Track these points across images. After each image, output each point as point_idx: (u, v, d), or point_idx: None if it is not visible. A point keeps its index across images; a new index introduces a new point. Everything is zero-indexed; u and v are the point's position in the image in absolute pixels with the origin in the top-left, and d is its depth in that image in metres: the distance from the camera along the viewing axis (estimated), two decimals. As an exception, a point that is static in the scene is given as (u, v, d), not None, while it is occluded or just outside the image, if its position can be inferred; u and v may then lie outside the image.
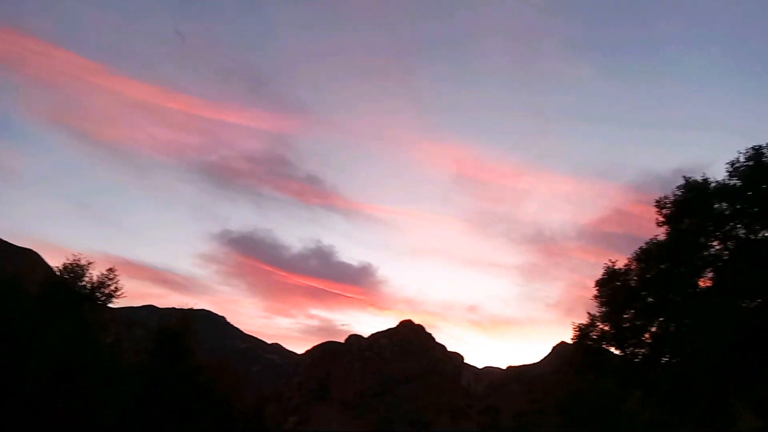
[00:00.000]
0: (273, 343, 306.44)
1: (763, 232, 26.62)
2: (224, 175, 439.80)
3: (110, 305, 37.02)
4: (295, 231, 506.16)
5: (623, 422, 20.60)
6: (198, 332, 43.46)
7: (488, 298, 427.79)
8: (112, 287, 36.16)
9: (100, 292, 35.75)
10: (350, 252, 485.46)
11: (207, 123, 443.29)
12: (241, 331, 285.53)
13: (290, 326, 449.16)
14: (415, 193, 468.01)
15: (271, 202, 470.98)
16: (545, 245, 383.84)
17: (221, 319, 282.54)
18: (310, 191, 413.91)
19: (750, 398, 34.62)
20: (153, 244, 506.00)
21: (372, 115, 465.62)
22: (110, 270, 36.37)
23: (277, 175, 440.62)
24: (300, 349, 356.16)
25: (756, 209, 25.98)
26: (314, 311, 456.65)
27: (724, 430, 29.82)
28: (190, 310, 44.97)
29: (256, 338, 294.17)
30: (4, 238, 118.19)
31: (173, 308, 48.76)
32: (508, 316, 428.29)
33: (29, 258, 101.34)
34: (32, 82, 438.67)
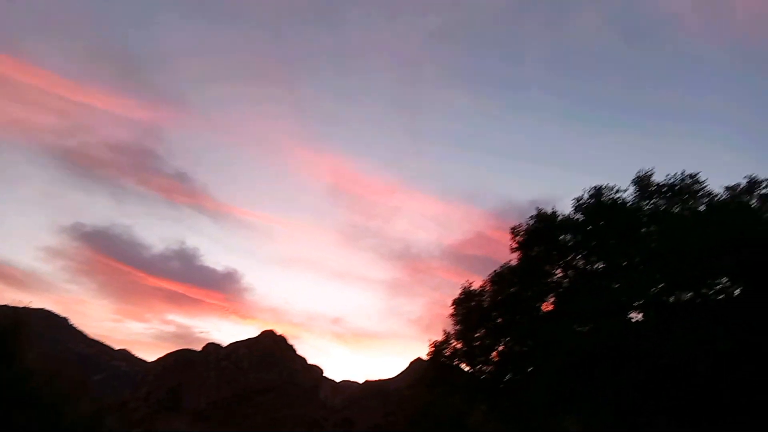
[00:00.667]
0: (120, 349, 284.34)
1: (598, 264, 29.70)
2: (82, 162, 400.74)
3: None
4: (157, 230, 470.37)
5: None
6: (33, 333, 39.05)
7: (353, 311, 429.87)
8: None
9: None
10: (216, 256, 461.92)
11: (67, 104, 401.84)
12: (86, 335, 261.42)
13: (142, 331, 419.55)
14: (288, 201, 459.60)
15: (133, 196, 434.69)
16: (411, 262, 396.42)
17: (63, 321, 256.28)
18: (178, 189, 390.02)
19: (579, 414, 38.15)
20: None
21: (252, 118, 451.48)
22: None
23: (142, 168, 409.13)
24: (152, 356, 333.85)
25: (594, 243, 28.92)
26: (171, 316, 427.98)
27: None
28: (24, 308, 40.28)
29: (101, 343, 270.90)
30: None
31: (5, 306, 43.45)
32: (370, 330, 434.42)
33: None
34: None
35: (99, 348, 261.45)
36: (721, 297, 26.76)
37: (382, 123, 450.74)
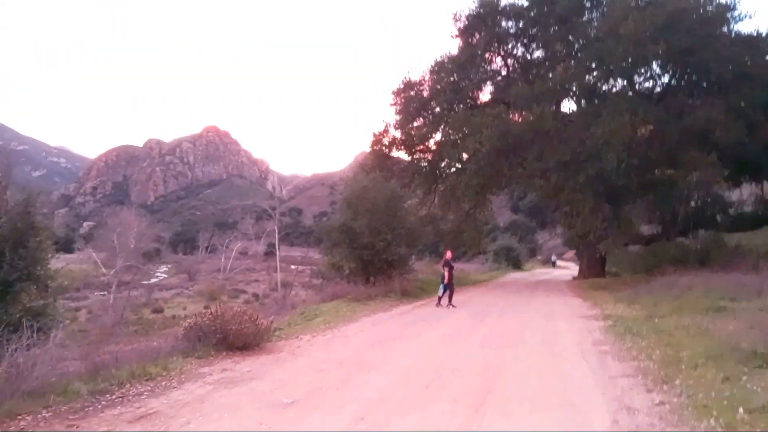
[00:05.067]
0: (58, 146, 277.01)
1: (537, 52, 29.61)
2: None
3: None
4: None
5: (403, 214, 23.37)
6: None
7: (295, 105, 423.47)
8: None
9: None
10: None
11: None
12: (17, 132, 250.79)
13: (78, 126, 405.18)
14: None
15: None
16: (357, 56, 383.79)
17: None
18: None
19: (508, 197, 41.16)
20: None
21: None
22: None
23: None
24: (90, 153, 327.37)
25: (535, 30, 28.44)
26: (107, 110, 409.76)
27: (482, 221, 35.68)
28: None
29: (36, 140, 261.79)
30: None
31: None
32: (312, 124, 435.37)
33: None
34: None
35: (33, 145, 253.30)
36: (648, 84, 27.79)
37: None
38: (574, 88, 27.12)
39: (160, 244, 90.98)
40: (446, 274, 17.33)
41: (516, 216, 74.28)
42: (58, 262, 13.13)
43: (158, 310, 40.40)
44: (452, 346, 10.26)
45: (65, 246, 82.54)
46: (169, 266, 78.74)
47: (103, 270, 46.90)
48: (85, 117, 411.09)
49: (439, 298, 17.44)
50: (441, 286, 17.53)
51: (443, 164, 31.11)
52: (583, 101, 28.46)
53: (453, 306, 16.90)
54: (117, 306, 37.49)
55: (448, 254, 18.17)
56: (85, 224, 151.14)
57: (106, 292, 43.68)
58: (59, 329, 8.19)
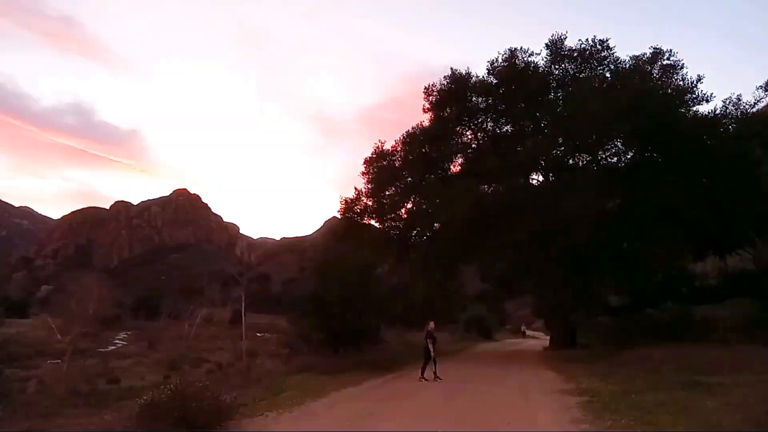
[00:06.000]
0: (21, 206, 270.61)
1: (506, 127, 30.53)
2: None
3: None
4: (46, 81, 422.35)
5: (374, 283, 23.08)
6: None
7: (265, 169, 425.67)
8: None
9: None
10: (116, 112, 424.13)
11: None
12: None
13: (42, 188, 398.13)
14: (193, 52, 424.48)
15: (12, 41, 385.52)
16: (325, 124, 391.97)
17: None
18: (66, 35, 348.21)
19: (478, 266, 41.23)
20: None
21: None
22: None
23: (20, 8, 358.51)
24: (56, 214, 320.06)
25: (503, 106, 29.45)
26: (72, 173, 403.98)
27: (453, 290, 35.49)
28: None
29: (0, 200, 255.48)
30: None
31: None
32: (283, 188, 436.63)
33: None
34: None
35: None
36: (614, 160, 28.72)
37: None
38: (542, 162, 27.91)
39: (121, 309, 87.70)
40: (430, 346, 16.78)
41: (485, 285, 74.69)
42: (9, 328, 12.39)
43: (114, 380, 38.26)
44: (427, 425, 9.80)
45: (20, 310, 79.02)
46: (129, 333, 75.59)
47: (59, 336, 44.64)
48: (49, 178, 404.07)
49: (422, 371, 16.81)
50: (425, 359, 16.90)
51: (414, 233, 31.21)
52: (551, 175, 29.22)
53: (439, 378, 16.34)
54: (70, 375, 35.43)
55: (431, 324, 17.53)
56: (43, 288, 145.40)
57: (60, 360, 41.37)
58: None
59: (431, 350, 16.69)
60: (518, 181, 27.59)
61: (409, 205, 30.61)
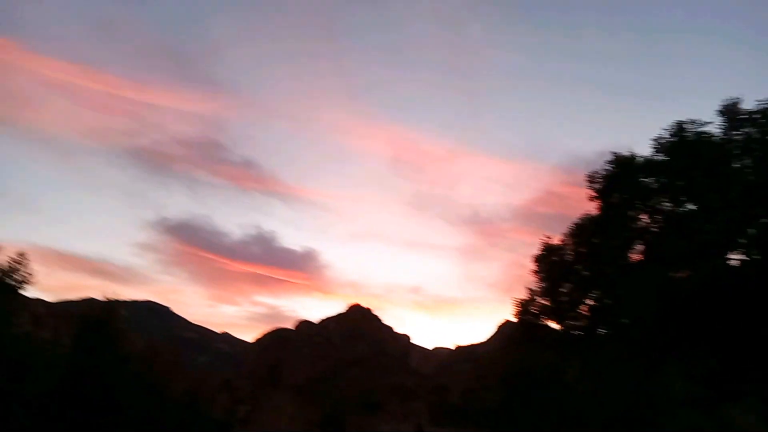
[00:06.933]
0: (222, 332, 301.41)
1: (687, 205, 27.87)
2: (156, 160, 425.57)
3: (22, 292, 34.86)
4: (233, 217, 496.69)
5: (563, 392, 21.22)
6: (137, 322, 42.12)
7: (430, 279, 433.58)
8: (24, 273, 33.66)
9: (10, 278, 33.16)
10: (291, 237, 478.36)
11: (132, 104, 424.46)
12: (188, 321, 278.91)
13: (236, 314, 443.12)
14: (351, 176, 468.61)
15: (207, 187, 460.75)
16: (482, 226, 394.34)
17: (165, 309, 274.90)
18: (247, 176, 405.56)
19: (681, 365, 36.47)
20: (84, 234, 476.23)
21: (304, 98, 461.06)
22: (20, 255, 33.67)
23: (212, 159, 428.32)
24: (249, 337, 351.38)
25: (680, 183, 27.10)
26: (259, 298, 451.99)
27: (657, 397, 31.35)
28: (119, 300, 43.17)
29: (204, 328, 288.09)
30: None
31: (114, 300, 46.66)
32: (450, 297, 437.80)
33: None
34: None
35: (202, 332, 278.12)
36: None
37: (435, 88, 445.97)
38: (740, 239, 24.69)
39: (311, 427, 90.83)
40: None
41: (691, 387, 64.78)
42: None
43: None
44: None
45: (224, 430, 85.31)
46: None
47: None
48: (242, 304, 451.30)
49: None
50: None
51: (601, 332, 28.80)
52: (753, 251, 25.61)
53: None
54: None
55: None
56: (241, 408, 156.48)
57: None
58: None
59: None
60: (713, 263, 24.56)
61: (590, 302, 28.63)
